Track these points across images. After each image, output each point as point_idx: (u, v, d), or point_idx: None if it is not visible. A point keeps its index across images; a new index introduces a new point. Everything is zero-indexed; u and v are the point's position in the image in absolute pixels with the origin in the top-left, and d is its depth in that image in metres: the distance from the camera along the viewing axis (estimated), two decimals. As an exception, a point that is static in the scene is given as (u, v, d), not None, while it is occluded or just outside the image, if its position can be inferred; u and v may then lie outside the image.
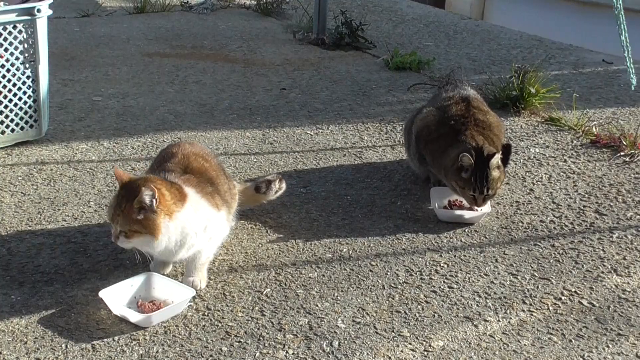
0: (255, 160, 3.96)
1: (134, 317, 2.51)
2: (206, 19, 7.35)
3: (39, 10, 3.80)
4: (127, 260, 2.88)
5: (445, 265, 2.97)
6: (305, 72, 5.58)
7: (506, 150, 3.35)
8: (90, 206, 3.38)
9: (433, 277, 2.88)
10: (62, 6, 7.52)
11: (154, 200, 2.45)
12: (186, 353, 2.41)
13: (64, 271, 2.85)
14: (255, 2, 7.84)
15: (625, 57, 4.22)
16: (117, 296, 2.59)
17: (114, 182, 3.62)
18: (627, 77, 4.38)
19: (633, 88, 4.39)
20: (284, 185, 3.32)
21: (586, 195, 3.57)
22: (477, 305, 2.70)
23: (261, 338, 2.49)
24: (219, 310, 2.64)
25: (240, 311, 2.64)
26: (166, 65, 5.67)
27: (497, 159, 3.20)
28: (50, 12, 3.88)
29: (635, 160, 3.92)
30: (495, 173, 3.21)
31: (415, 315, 2.64)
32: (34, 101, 3.96)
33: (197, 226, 2.60)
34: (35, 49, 3.87)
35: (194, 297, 2.68)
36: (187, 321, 2.57)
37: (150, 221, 2.48)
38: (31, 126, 4.02)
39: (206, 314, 2.62)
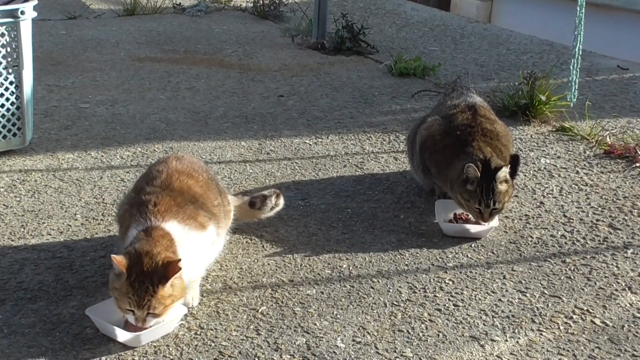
0: (251, 170, 3.98)
1: (123, 336, 2.52)
2: (200, 22, 7.39)
3: (22, 12, 3.82)
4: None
5: (451, 282, 2.98)
6: (304, 78, 5.60)
7: (514, 162, 3.37)
8: (76, 219, 3.40)
9: (437, 295, 2.89)
10: (48, 8, 7.57)
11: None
12: (177, 374, 2.42)
13: (49, 288, 2.86)
14: (252, 5, 7.88)
15: (571, 69, 4.32)
16: (105, 314, 2.60)
17: (102, 193, 3.64)
18: (569, 96, 4.48)
19: (572, 105, 4.52)
20: (281, 201, 3.32)
21: (599, 209, 3.58)
22: (484, 324, 2.71)
23: (256, 358, 2.50)
24: (212, 329, 2.65)
25: (234, 330, 2.65)
26: (158, 71, 5.70)
27: (504, 172, 3.21)
28: (34, 14, 3.91)
29: (651, 171, 3.95)
30: (502, 186, 3.22)
31: (418, 334, 2.65)
32: (17, 108, 3.98)
33: (188, 255, 2.61)
34: (18, 53, 3.89)
35: (185, 315, 2.68)
36: (179, 340, 2.58)
37: (179, 288, 2.51)
38: (14, 135, 4.03)
39: (198, 333, 2.63)
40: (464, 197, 3.28)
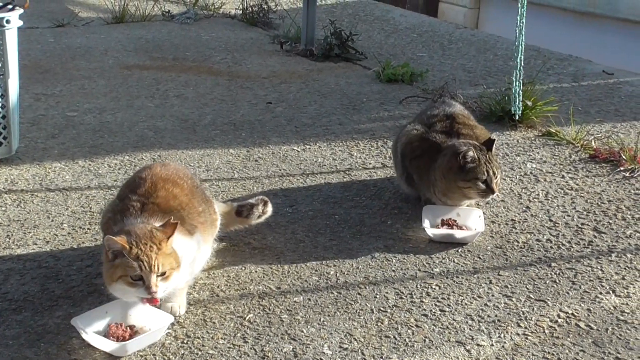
0: (239, 178, 3.98)
1: (109, 346, 2.52)
2: (189, 29, 7.39)
3: (8, 22, 3.82)
4: (102, 285, 2.88)
5: (437, 288, 2.98)
6: (293, 85, 5.61)
7: (489, 144, 3.46)
8: (63, 228, 3.39)
9: (424, 300, 2.90)
10: (36, 15, 7.56)
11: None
12: (163, 383, 2.42)
13: (34, 298, 2.85)
14: (241, 12, 7.89)
15: (513, 80, 4.36)
16: (91, 324, 2.59)
17: (89, 202, 3.64)
18: (513, 107, 4.52)
19: (517, 118, 4.57)
20: (269, 209, 3.32)
21: (584, 213, 3.59)
22: (470, 329, 2.72)
23: (242, 366, 2.50)
24: (198, 338, 2.65)
25: (221, 338, 2.65)
26: (146, 78, 5.70)
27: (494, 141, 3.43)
28: (20, 22, 3.91)
29: (636, 175, 3.96)
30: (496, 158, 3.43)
31: (405, 340, 2.65)
32: (3, 117, 3.97)
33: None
34: (4, 62, 3.88)
35: (172, 324, 2.68)
36: (165, 349, 2.58)
37: (176, 255, 2.59)
38: (0, 143, 4.03)
39: (185, 341, 2.63)
40: (465, 179, 3.35)
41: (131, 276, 2.48)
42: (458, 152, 3.33)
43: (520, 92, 4.55)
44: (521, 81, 4.52)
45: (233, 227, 3.28)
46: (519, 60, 4.48)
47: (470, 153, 3.32)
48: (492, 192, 3.36)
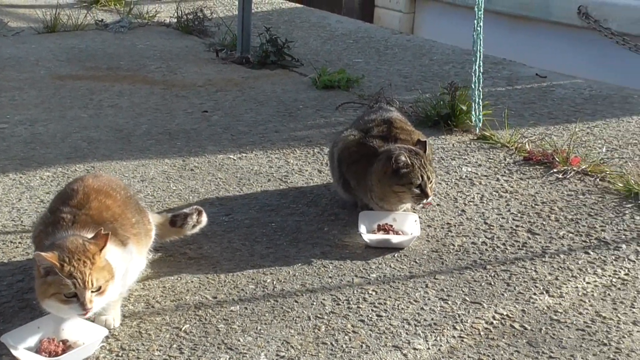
0: (174, 188, 3.96)
1: (41, 361, 2.49)
2: (123, 38, 7.32)
3: None
4: (34, 300, 2.84)
5: (374, 293, 3.01)
6: (229, 93, 5.60)
7: (422, 146, 3.51)
8: (-6, 243, 3.34)
9: (361, 306, 2.92)
10: (-37, 26, 7.42)
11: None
12: (98, 397, 2.40)
13: (-36, 315, 2.81)
14: (176, 20, 7.84)
15: (473, 88, 4.42)
16: (22, 340, 2.55)
17: (20, 216, 3.59)
18: (474, 119, 4.61)
19: (478, 130, 4.63)
20: (203, 218, 3.29)
21: (519, 215, 3.66)
22: (407, 333, 2.75)
23: (179, 378, 2.49)
24: (134, 350, 2.63)
25: (157, 350, 2.64)
26: (79, 89, 5.63)
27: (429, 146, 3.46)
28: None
29: (568, 176, 4.04)
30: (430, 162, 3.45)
31: (342, 346, 2.67)
32: None
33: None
34: None
35: (107, 337, 2.66)
36: (99, 363, 2.56)
37: (110, 266, 2.56)
38: None
39: (120, 354, 2.61)
40: (400, 184, 3.37)
41: (64, 294, 2.46)
42: (391, 157, 3.37)
43: (481, 103, 4.58)
44: (481, 90, 4.55)
45: (168, 238, 3.26)
46: (477, 67, 4.50)
47: (403, 158, 3.35)
48: (426, 196, 3.40)
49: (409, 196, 3.41)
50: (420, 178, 3.36)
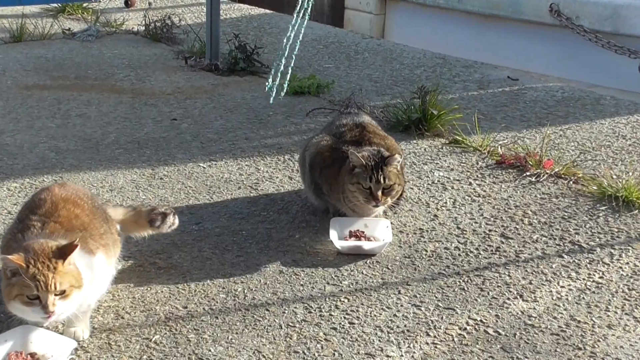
0: (144, 197, 3.93)
1: (8, 376, 2.46)
2: (91, 47, 7.26)
3: None
4: (2, 313, 2.81)
5: (346, 300, 3.00)
6: (198, 100, 5.57)
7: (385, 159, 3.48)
8: (-42, 256, 3.28)
9: (333, 313, 2.91)
10: None
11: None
12: (65, 412, 2.36)
13: None
14: (144, 28, 7.79)
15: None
16: (-11, 354, 2.53)
17: (-14, 228, 3.54)
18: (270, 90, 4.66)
19: (272, 101, 4.70)
20: (177, 221, 3.27)
21: (492, 219, 3.66)
22: (379, 340, 2.74)
23: (148, 390, 2.47)
24: (102, 363, 2.60)
25: (126, 362, 2.61)
26: (47, 98, 5.58)
27: (395, 159, 3.39)
28: None
29: (541, 180, 4.06)
30: (390, 168, 3.38)
31: (314, 355, 2.66)
32: None
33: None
34: None
35: (76, 349, 2.64)
36: (67, 377, 2.53)
37: (77, 273, 2.54)
38: None
39: (88, 367, 2.58)
40: (352, 182, 3.37)
41: (27, 295, 2.46)
42: (350, 155, 3.38)
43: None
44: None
45: (134, 233, 3.21)
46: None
47: (354, 157, 3.35)
48: (375, 199, 3.37)
49: (361, 196, 3.39)
50: (369, 180, 3.34)
